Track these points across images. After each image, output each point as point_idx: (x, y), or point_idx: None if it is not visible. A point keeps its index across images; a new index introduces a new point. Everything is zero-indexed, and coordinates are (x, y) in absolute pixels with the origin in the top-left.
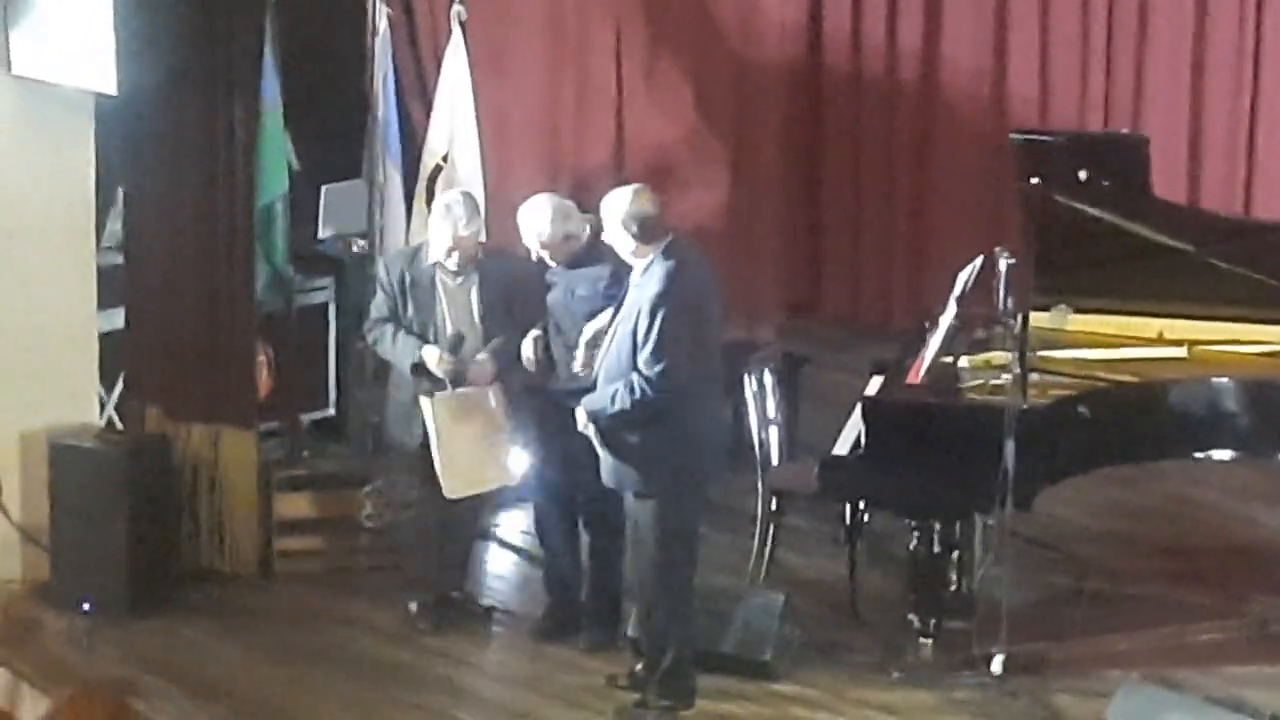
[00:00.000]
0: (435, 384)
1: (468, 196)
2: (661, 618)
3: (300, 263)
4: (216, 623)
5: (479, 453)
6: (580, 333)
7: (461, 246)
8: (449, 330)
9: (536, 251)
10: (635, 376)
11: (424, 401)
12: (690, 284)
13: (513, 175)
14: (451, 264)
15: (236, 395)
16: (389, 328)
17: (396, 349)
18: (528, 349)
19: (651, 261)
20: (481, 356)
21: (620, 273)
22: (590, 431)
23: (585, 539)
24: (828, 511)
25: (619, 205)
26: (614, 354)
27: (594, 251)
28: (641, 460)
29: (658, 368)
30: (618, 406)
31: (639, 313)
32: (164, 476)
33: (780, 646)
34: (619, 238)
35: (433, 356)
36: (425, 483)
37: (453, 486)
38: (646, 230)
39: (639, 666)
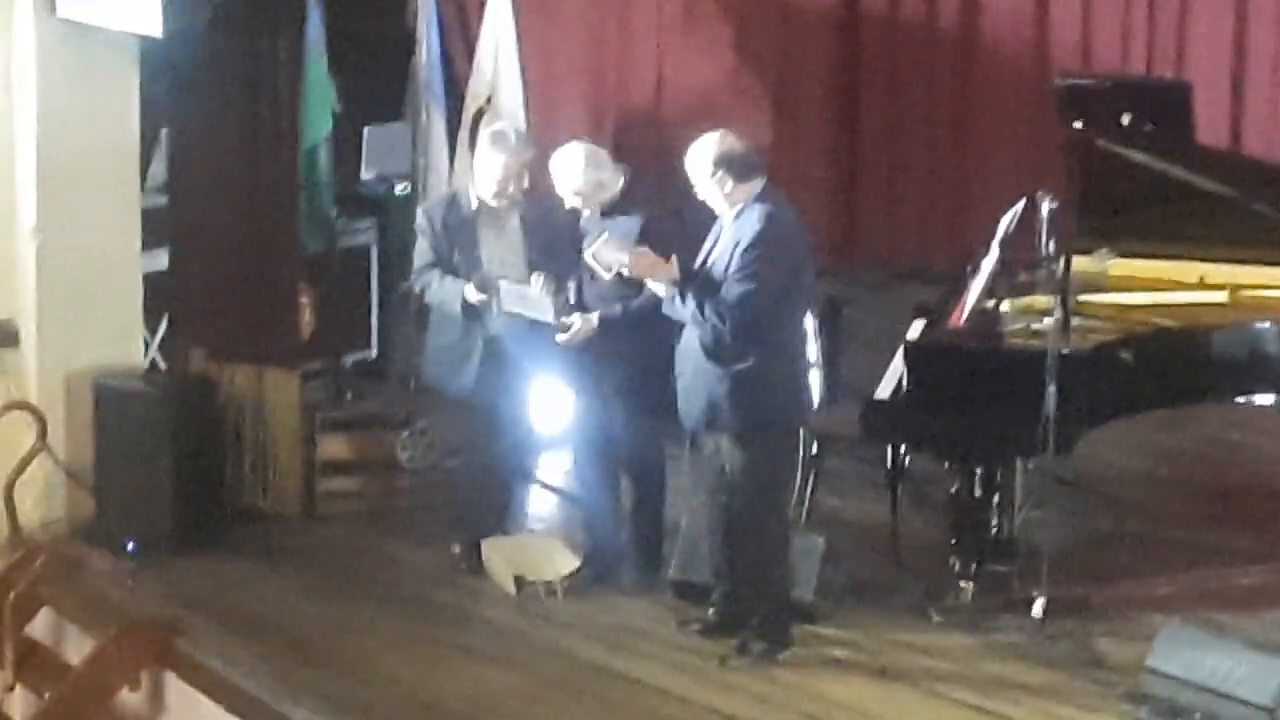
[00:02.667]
0: (485, 322)
1: (516, 129)
2: (755, 562)
3: (343, 204)
4: (260, 562)
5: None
6: (612, 284)
7: (511, 175)
8: (497, 269)
9: (570, 200)
10: (711, 304)
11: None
12: (786, 229)
13: (555, 119)
14: (496, 199)
15: (280, 336)
16: (435, 273)
17: (444, 292)
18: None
19: (743, 207)
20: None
21: (653, 225)
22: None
23: (625, 482)
24: (869, 455)
25: (706, 151)
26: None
27: (627, 201)
28: (737, 402)
29: (736, 296)
30: (692, 316)
31: (733, 252)
32: (208, 417)
33: (821, 589)
34: (710, 186)
35: (473, 293)
36: (468, 425)
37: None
38: (739, 169)
39: (711, 612)
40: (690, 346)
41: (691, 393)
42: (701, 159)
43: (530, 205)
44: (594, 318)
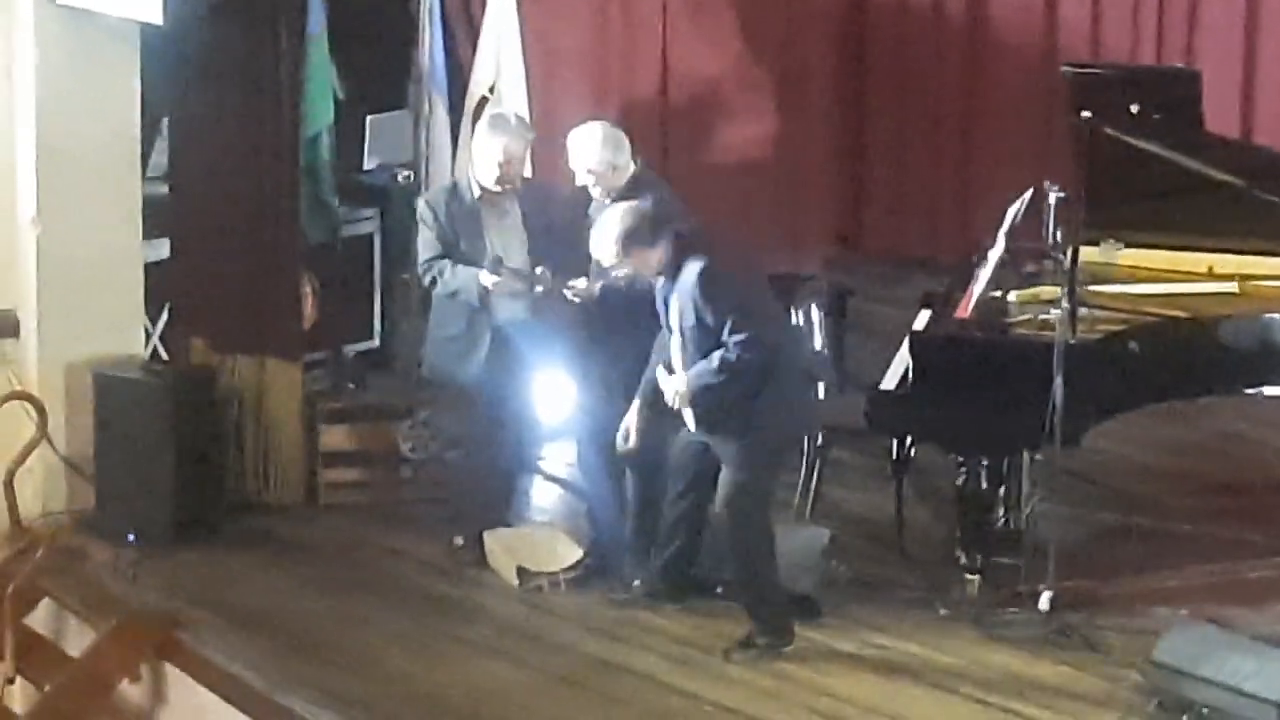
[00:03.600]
0: (484, 317)
1: (515, 113)
2: (745, 572)
3: (345, 193)
4: (261, 554)
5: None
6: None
7: (511, 159)
8: (504, 256)
9: (582, 179)
10: (723, 354)
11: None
12: (720, 263)
13: (558, 107)
14: (497, 185)
15: (282, 326)
16: (446, 263)
17: (459, 281)
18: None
19: (670, 268)
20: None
21: (661, 209)
22: (687, 413)
23: (629, 474)
24: (875, 446)
25: (608, 235)
26: (692, 352)
27: (637, 187)
28: (726, 431)
29: (741, 335)
30: (723, 381)
31: (690, 307)
32: (209, 408)
33: (825, 581)
34: (620, 267)
35: (490, 279)
36: (472, 416)
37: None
38: (647, 238)
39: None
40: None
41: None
42: (606, 246)
43: (530, 192)
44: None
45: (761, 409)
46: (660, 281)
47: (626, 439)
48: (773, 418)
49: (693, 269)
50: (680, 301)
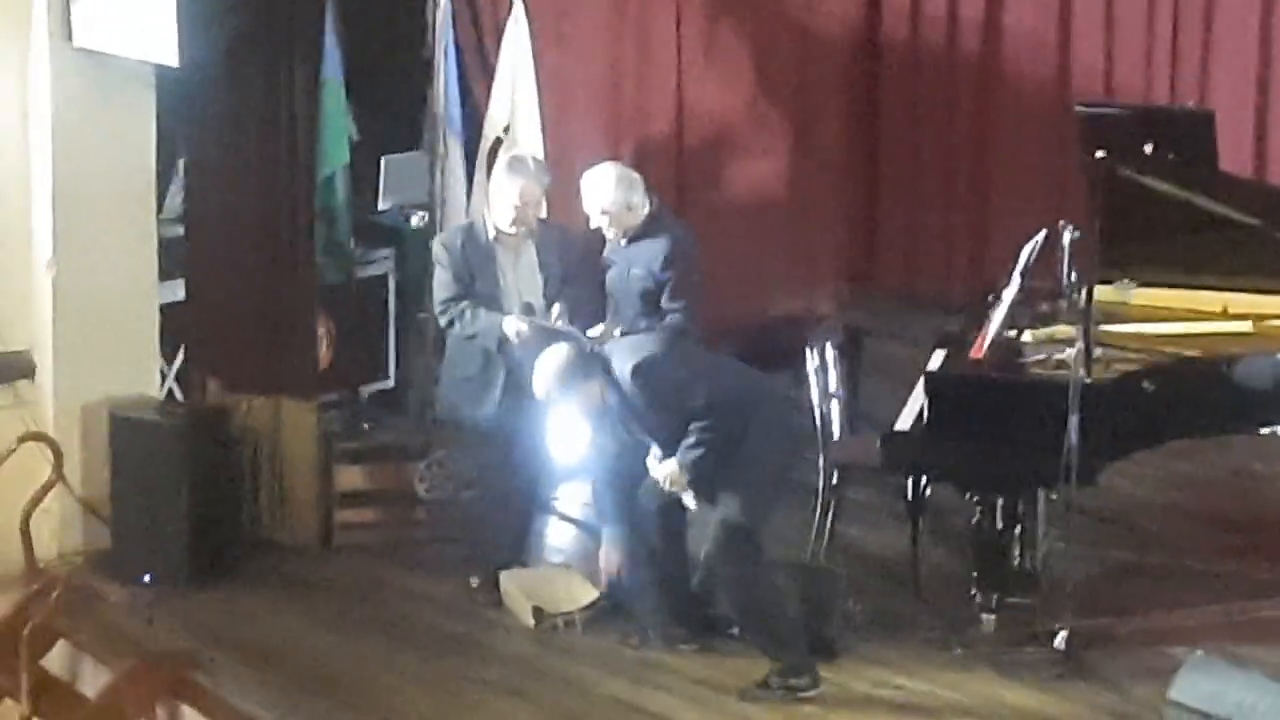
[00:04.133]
0: (499, 358)
1: (533, 156)
2: (749, 615)
3: (360, 234)
4: (277, 594)
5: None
6: (634, 314)
7: (528, 202)
8: (519, 299)
9: (596, 220)
10: (689, 439)
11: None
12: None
13: (573, 148)
14: (513, 227)
15: (297, 367)
16: (465, 305)
17: (478, 325)
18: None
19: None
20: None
21: (676, 249)
22: (687, 496)
23: (644, 516)
24: (890, 486)
25: (544, 388)
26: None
27: (652, 228)
28: (712, 489)
29: (699, 423)
30: (706, 453)
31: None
32: (224, 448)
33: (841, 621)
34: (583, 400)
35: (512, 326)
36: (487, 456)
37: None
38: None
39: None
40: None
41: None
42: (543, 387)
43: (545, 233)
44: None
45: (742, 449)
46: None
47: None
48: (754, 455)
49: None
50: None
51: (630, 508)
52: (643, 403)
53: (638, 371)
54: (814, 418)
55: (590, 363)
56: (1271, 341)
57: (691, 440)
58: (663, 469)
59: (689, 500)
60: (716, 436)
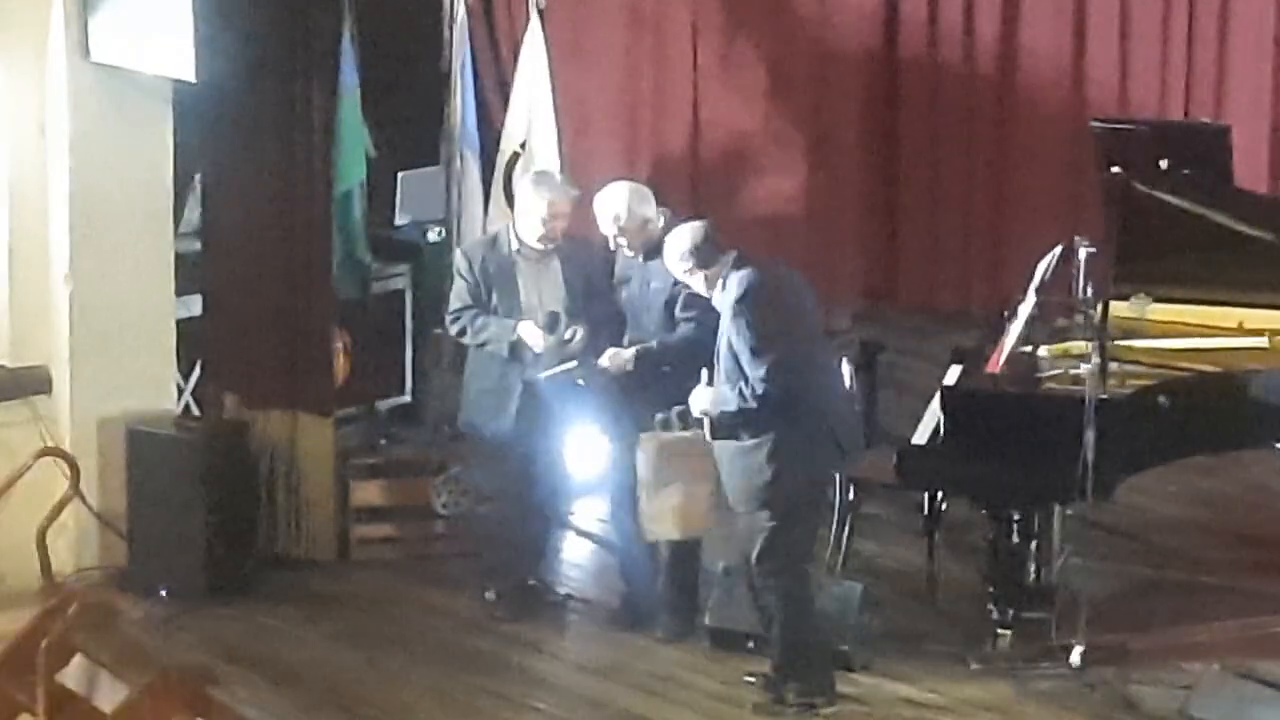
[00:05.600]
0: (532, 362)
1: (559, 171)
2: (785, 624)
3: (377, 249)
4: (294, 609)
5: (685, 498)
6: (656, 326)
7: (556, 217)
8: (541, 312)
9: (612, 238)
10: (746, 384)
11: (642, 439)
12: (765, 287)
13: (590, 163)
14: (539, 242)
15: (314, 382)
16: (475, 313)
17: (489, 332)
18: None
19: (722, 278)
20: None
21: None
22: (705, 425)
23: None
24: (906, 501)
25: (670, 252)
26: (724, 374)
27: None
28: (761, 478)
29: (762, 372)
30: (738, 408)
31: (730, 328)
32: (241, 463)
33: (858, 636)
34: (686, 277)
35: (532, 333)
36: (504, 470)
37: (653, 530)
38: (700, 256)
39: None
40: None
41: (731, 475)
42: (671, 254)
43: (570, 248)
44: (627, 351)
45: (785, 457)
46: (715, 295)
47: None
48: (796, 465)
49: (737, 276)
50: (723, 317)
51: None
52: (737, 332)
53: (741, 302)
54: None
55: (716, 249)
56: None
57: (734, 393)
58: (698, 397)
59: (706, 429)
60: (758, 400)
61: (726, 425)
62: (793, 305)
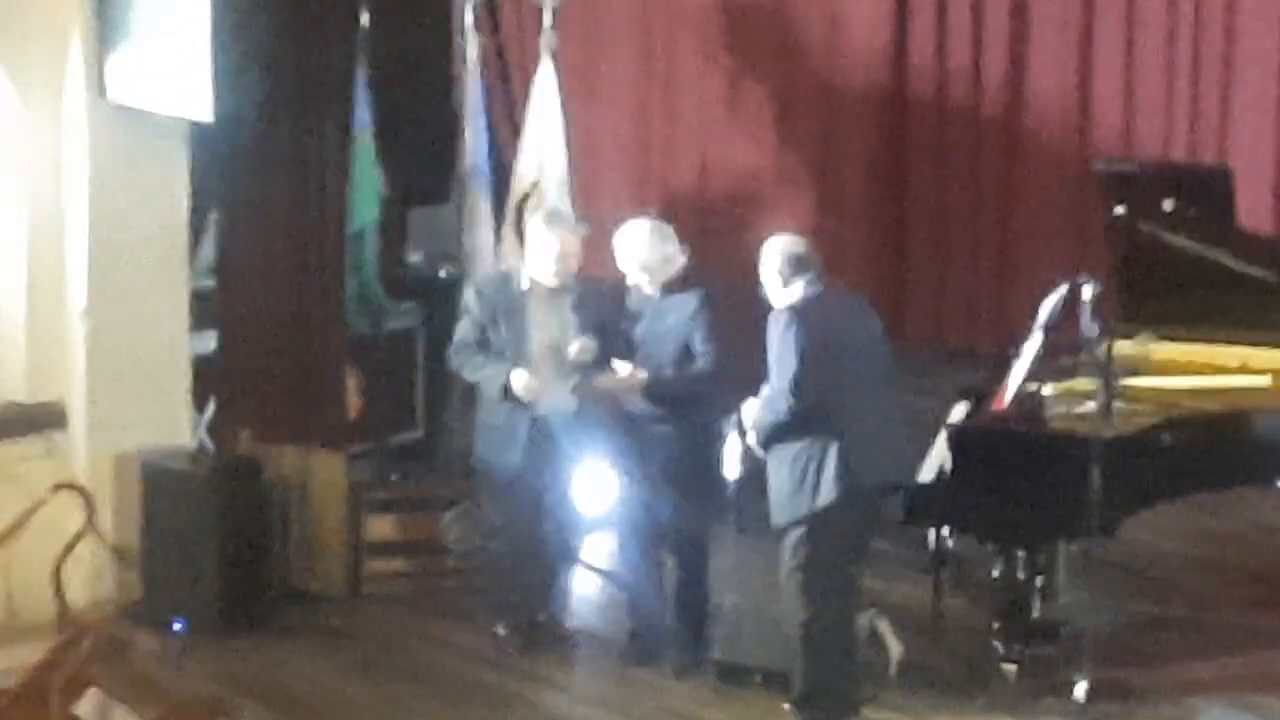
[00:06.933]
0: (523, 407)
1: (571, 210)
2: (816, 648)
3: (389, 287)
4: (306, 643)
5: None
6: (668, 362)
7: (568, 254)
8: (551, 349)
9: (634, 275)
10: (772, 394)
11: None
12: (819, 309)
13: (601, 202)
14: (552, 279)
15: (327, 417)
16: (474, 351)
17: (485, 373)
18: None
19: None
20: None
21: (707, 300)
22: (752, 441)
23: (670, 563)
24: (912, 537)
25: (770, 254)
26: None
27: (687, 279)
28: (797, 490)
29: (787, 385)
30: (769, 419)
31: (772, 338)
32: (255, 498)
33: (864, 671)
34: (772, 284)
35: (520, 380)
36: (513, 506)
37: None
38: (794, 267)
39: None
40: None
41: (772, 490)
42: (772, 262)
43: (580, 286)
44: (639, 372)
45: (823, 480)
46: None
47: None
48: (836, 489)
49: (801, 295)
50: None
51: (655, 557)
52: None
53: (794, 315)
54: None
55: (799, 266)
56: None
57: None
58: (749, 405)
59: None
60: (774, 413)
61: (767, 438)
62: (839, 330)
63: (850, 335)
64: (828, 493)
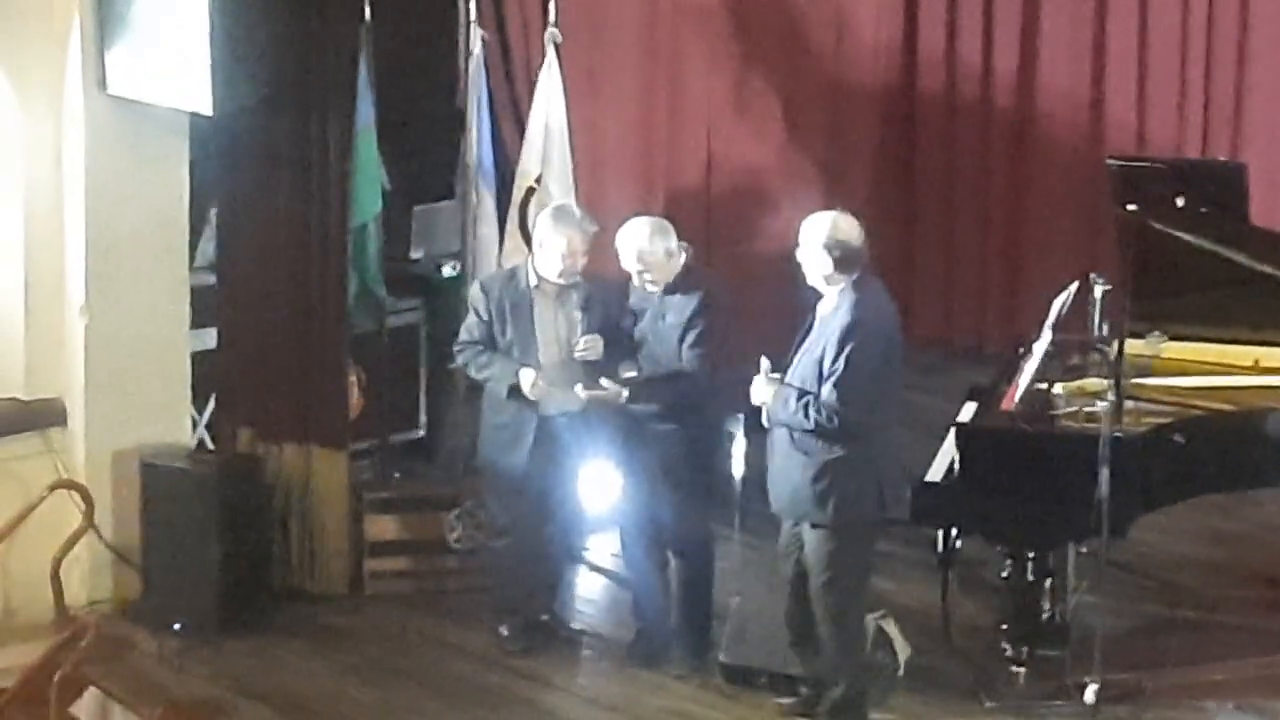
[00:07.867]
0: (529, 407)
1: (578, 207)
2: (832, 650)
3: (392, 284)
4: (307, 643)
5: None
6: (669, 359)
7: (575, 252)
8: (557, 346)
9: (636, 273)
10: (816, 402)
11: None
12: (876, 318)
13: (605, 198)
14: (559, 277)
15: (328, 416)
16: (480, 349)
17: (492, 372)
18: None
19: (841, 291)
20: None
21: (711, 300)
22: (778, 431)
23: (674, 563)
24: (920, 538)
25: (821, 228)
26: (798, 380)
27: (687, 279)
28: (821, 491)
29: (838, 399)
30: (795, 420)
31: (826, 343)
32: (255, 496)
33: (872, 673)
34: (816, 261)
35: (528, 379)
36: (518, 505)
37: None
38: (845, 259)
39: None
40: (779, 435)
41: (779, 480)
42: (816, 234)
43: (587, 284)
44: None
45: (848, 491)
46: (824, 300)
47: None
48: (858, 501)
49: (854, 299)
50: (825, 325)
51: (659, 557)
52: (831, 355)
53: (850, 330)
54: None
55: (853, 260)
56: None
57: (797, 407)
58: (762, 386)
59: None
60: (818, 428)
61: (782, 423)
62: (888, 340)
63: (896, 343)
64: (872, 500)
